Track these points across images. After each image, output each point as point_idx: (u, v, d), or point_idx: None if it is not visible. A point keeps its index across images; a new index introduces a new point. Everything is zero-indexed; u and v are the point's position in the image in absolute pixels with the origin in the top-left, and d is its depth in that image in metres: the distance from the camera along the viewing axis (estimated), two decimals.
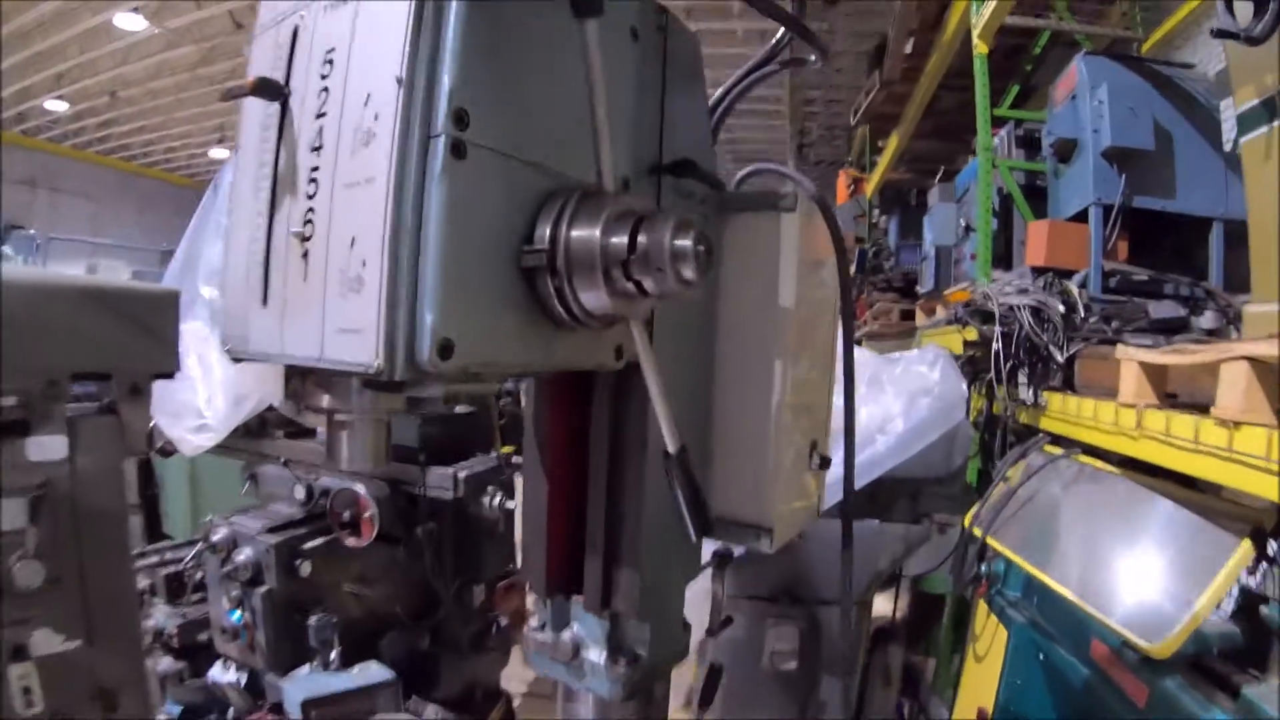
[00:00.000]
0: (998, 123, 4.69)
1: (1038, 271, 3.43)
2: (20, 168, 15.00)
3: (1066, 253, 3.44)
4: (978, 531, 2.65)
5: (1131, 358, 2.20)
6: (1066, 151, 3.80)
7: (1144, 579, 1.90)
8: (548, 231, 0.71)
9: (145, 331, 1.41)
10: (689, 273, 0.72)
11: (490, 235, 0.68)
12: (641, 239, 0.71)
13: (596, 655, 1.05)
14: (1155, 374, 2.14)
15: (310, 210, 0.71)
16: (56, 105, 14.03)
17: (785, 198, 1.16)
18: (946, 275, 5.69)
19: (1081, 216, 3.65)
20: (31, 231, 13.86)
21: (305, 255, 0.71)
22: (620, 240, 0.71)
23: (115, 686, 1.33)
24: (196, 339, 2.75)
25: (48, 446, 1.26)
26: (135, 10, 10.38)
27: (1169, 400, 2.16)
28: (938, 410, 2.59)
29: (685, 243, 0.72)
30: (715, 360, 1.21)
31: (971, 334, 3.30)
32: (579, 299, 0.73)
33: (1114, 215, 3.55)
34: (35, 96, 13.36)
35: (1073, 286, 3.31)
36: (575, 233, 0.71)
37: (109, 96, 13.62)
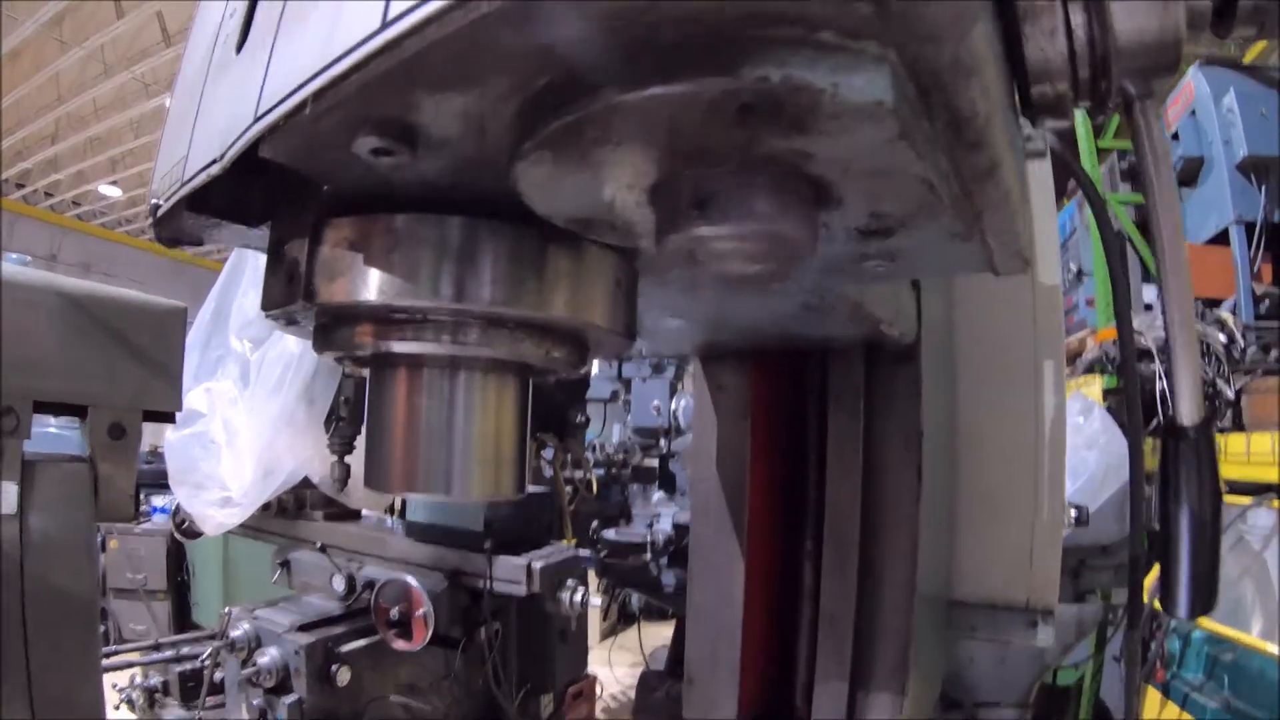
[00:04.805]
0: (1099, 156, 4.36)
1: None
2: (75, 252, 15.38)
3: (1210, 279, 3.01)
4: (1158, 605, 2.26)
5: None
6: (1191, 172, 3.48)
7: None
8: None
9: (138, 355, 1.03)
10: None
11: None
12: None
13: None
14: None
15: None
16: (110, 191, 14.48)
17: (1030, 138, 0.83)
18: None
19: (1217, 240, 3.31)
20: None
21: None
22: None
23: None
24: (224, 400, 2.42)
25: None
26: None
27: None
28: (1107, 466, 2.15)
29: None
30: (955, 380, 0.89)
31: (1112, 381, 2.91)
32: None
33: (1258, 233, 3.17)
34: (90, 181, 13.80)
35: (1227, 315, 2.90)
36: None
37: None
